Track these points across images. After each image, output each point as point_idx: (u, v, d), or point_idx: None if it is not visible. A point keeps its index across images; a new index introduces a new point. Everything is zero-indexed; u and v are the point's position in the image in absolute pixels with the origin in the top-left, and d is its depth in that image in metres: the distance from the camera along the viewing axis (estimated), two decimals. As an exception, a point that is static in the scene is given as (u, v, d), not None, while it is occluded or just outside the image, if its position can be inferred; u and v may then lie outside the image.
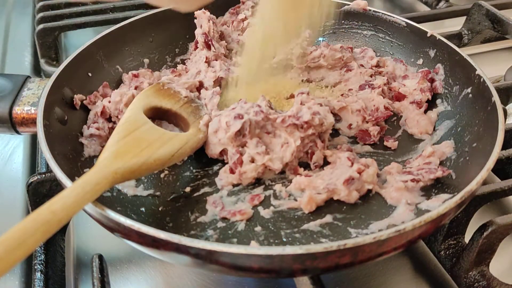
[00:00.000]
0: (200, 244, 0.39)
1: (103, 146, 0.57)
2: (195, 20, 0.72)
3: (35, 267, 0.52)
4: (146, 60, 0.72)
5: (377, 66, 0.71)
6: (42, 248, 0.54)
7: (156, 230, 0.40)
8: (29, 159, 0.71)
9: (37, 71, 0.89)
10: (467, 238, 0.52)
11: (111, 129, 0.60)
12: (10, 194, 0.65)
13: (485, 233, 0.48)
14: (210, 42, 0.70)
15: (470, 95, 0.61)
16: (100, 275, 0.49)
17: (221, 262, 0.40)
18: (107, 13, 0.91)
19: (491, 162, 0.48)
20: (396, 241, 0.41)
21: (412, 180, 0.53)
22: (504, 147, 0.65)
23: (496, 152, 0.49)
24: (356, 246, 0.39)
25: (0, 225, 0.60)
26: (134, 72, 0.67)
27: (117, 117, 0.61)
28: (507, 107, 0.69)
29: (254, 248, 0.39)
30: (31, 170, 0.69)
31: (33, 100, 0.59)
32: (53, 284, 0.52)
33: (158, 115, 0.60)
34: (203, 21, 0.71)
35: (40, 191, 0.55)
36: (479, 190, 0.53)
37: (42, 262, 0.52)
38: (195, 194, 0.54)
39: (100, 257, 0.51)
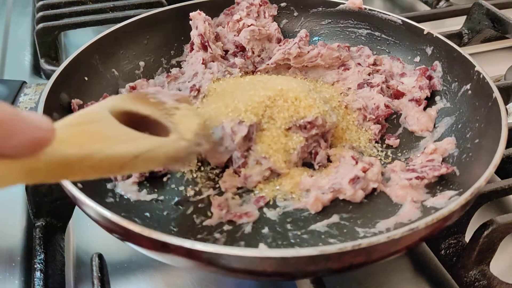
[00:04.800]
0: (212, 249, 0.38)
1: None
2: (190, 22, 0.71)
3: (35, 266, 0.52)
4: (142, 63, 0.71)
5: (374, 64, 0.71)
6: (42, 247, 0.54)
7: (167, 235, 0.39)
8: (29, 159, 0.71)
9: (37, 70, 0.89)
10: (467, 237, 0.52)
11: None
12: (9, 194, 0.64)
13: (485, 232, 0.48)
14: (206, 44, 0.69)
15: (470, 92, 0.61)
16: (100, 274, 0.49)
17: (233, 266, 0.40)
18: (107, 12, 0.91)
19: (497, 158, 0.48)
20: (410, 239, 0.41)
21: (417, 178, 0.53)
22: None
23: (502, 149, 0.49)
24: (370, 246, 0.39)
25: (-1, 224, 0.60)
26: (132, 84, 0.66)
27: None
28: (507, 106, 0.69)
29: (268, 251, 0.39)
30: (30, 169, 0.69)
31: (30, 106, 0.59)
32: (53, 283, 0.52)
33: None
34: (199, 22, 0.71)
35: (39, 190, 0.55)
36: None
37: (42, 261, 0.52)
38: (199, 197, 0.54)
39: (100, 256, 0.51)
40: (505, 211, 0.63)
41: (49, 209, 0.56)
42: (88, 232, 0.59)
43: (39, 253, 0.53)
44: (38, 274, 0.51)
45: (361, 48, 0.73)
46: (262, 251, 0.39)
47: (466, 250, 0.50)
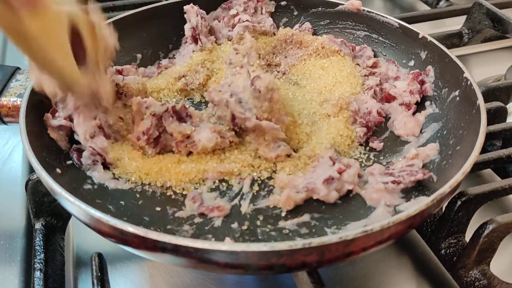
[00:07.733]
0: (166, 238, 0.39)
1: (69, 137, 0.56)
2: (185, 15, 0.72)
3: (35, 266, 0.52)
4: (139, 55, 0.72)
5: (372, 66, 0.71)
6: (42, 247, 0.54)
7: (123, 222, 0.40)
8: (29, 158, 0.71)
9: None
10: (467, 237, 0.52)
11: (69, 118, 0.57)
12: (9, 193, 0.65)
13: (485, 232, 0.48)
14: (197, 36, 0.70)
15: (458, 98, 0.60)
16: (99, 274, 0.49)
17: (188, 256, 0.40)
18: (107, 12, 0.91)
19: (467, 166, 0.47)
20: (364, 241, 0.41)
21: (393, 182, 0.52)
22: (504, 146, 0.65)
23: (474, 156, 0.48)
24: (322, 245, 0.39)
25: (-1, 223, 0.60)
26: (118, 67, 0.65)
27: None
28: (507, 106, 0.69)
29: (219, 243, 0.39)
30: (30, 168, 0.69)
31: (19, 91, 0.59)
32: (52, 283, 0.52)
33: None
34: (192, 15, 0.72)
35: (39, 189, 0.55)
36: (480, 189, 0.53)
37: (42, 261, 0.52)
38: (175, 189, 0.54)
39: (100, 256, 0.51)
40: (505, 211, 0.63)
41: (49, 209, 0.56)
42: (88, 232, 0.58)
43: (39, 253, 0.53)
44: (38, 274, 0.51)
45: (364, 48, 0.73)
46: (213, 243, 0.39)
47: (466, 250, 0.50)
